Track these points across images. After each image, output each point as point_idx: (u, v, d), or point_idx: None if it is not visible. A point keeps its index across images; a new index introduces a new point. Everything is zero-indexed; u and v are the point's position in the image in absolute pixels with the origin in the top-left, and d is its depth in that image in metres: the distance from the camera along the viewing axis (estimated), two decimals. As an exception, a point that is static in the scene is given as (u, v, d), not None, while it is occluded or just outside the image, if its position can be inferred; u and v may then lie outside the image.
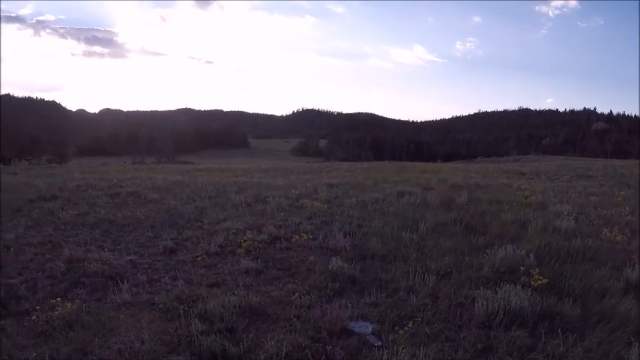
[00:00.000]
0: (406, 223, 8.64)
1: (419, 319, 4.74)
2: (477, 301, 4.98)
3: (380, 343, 4.38)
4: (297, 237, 7.79)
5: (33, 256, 7.36)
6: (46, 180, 18.16)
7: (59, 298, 5.40)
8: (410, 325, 4.55)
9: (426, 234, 7.93)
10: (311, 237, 7.92)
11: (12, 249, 7.76)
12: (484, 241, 7.42)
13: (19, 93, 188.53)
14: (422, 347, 4.16)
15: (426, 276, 5.79)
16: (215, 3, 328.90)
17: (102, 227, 9.10)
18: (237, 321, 4.81)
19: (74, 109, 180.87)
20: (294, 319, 4.84)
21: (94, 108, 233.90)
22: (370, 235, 8.11)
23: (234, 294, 5.42)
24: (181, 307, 5.13)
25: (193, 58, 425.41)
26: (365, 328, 4.69)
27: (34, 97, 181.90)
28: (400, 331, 4.41)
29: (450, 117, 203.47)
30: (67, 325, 4.85)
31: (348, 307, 5.07)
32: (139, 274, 6.47)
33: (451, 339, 4.46)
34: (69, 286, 6.05)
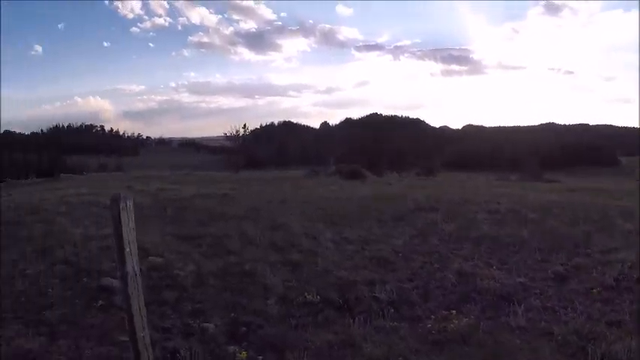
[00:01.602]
0: None
1: None
2: None
3: None
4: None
5: (422, 264, 7.89)
6: (420, 192, 19.55)
7: (454, 311, 5.64)
8: None
9: None
10: None
11: (400, 254, 8.50)
12: None
13: (385, 112, 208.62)
14: None
15: None
16: (566, 8, 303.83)
17: (485, 243, 9.22)
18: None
19: (437, 126, 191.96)
20: None
21: (456, 124, 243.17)
22: None
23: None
24: (582, 343, 4.84)
25: (552, 69, 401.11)
26: None
27: (399, 115, 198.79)
28: None
29: None
30: (461, 339, 4.99)
31: None
32: (531, 298, 6.30)
33: None
34: (459, 300, 6.24)
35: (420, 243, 9.40)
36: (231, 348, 4.98)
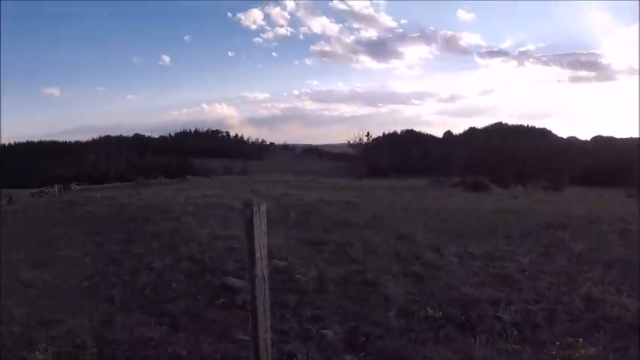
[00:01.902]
0: None
1: None
2: None
3: None
4: None
5: (549, 285, 7.59)
6: (547, 207, 18.75)
7: (580, 339, 5.45)
8: None
9: None
10: None
11: (527, 272, 8.25)
12: None
13: (510, 121, 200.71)
14: None
15: None
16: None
17: (617, 267, 8.62)
18: None
19: (565, 137, 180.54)
20: None
21: (585, 135, 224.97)
22: None
23: None
24: None
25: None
26: None
27: (525, 125, 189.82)
28: None
29: None
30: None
31: None
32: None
33: None
34: (587, 327, 5.96)
35: (547, 262, 9.03)
36: (349, 357, 5.12)
